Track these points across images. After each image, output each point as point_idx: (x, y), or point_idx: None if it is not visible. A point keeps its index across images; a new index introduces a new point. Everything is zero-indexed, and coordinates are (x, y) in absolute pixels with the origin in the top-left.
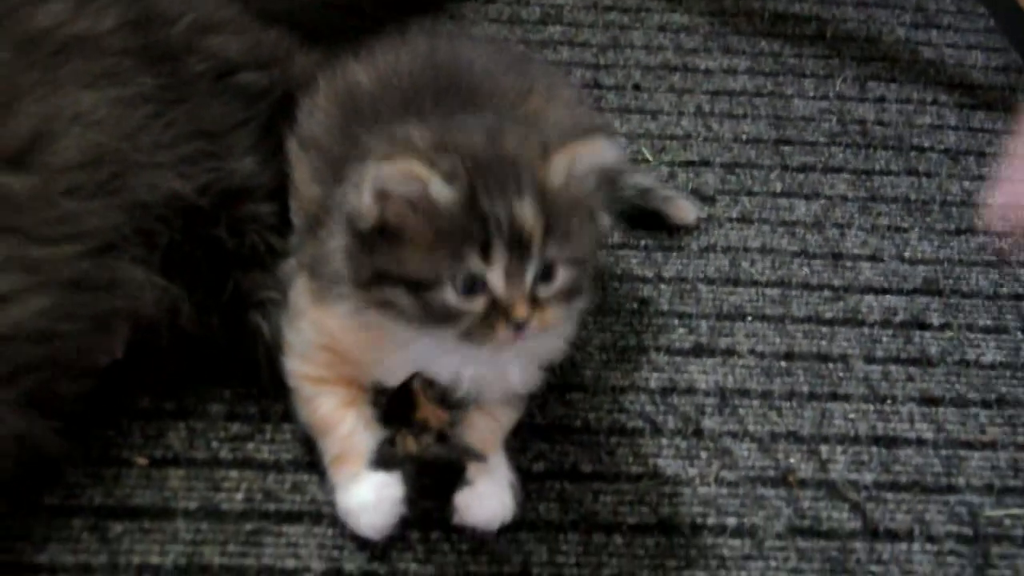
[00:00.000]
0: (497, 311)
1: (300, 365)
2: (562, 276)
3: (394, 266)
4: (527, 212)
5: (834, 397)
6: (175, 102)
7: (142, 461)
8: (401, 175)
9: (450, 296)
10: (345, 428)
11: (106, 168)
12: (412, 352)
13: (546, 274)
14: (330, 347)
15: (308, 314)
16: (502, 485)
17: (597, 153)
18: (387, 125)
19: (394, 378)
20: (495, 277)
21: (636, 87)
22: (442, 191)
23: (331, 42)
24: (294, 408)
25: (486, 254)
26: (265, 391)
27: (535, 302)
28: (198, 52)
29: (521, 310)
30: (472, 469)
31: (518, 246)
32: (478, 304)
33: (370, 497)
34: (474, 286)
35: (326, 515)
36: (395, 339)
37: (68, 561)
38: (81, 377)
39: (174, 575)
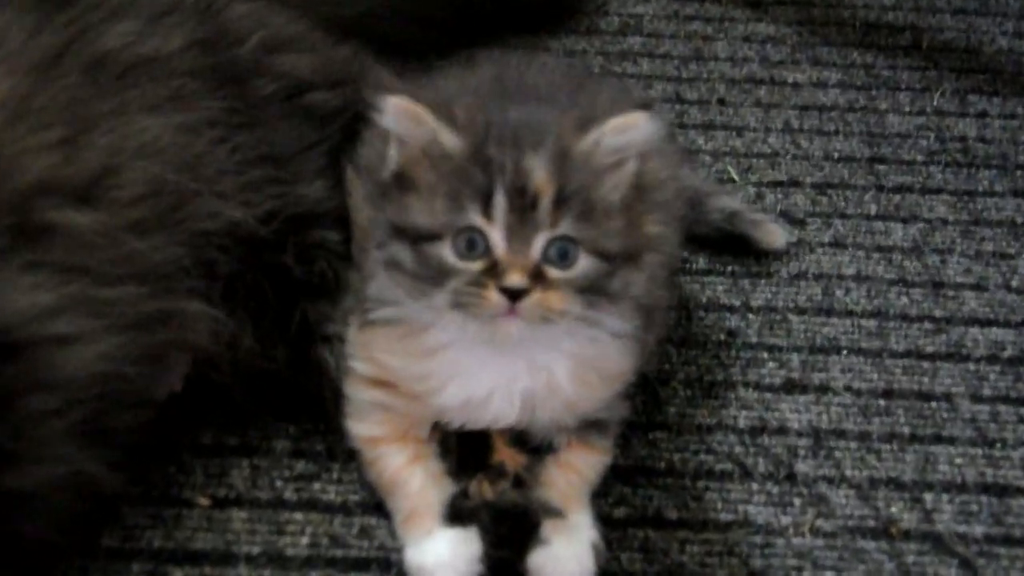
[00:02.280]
0: (494, 273)
1: (358, 426)
2: (583, 264)
3: (403, 216)
4: (537, 166)
5: (938, 440)
6: (242, 126)
7: (204, 502)
8: (407, 113)
9: (447, 253)
10: (414, 485)
11: (168, 199)
12: (449, 361)
13: (563, 254)
14: (380, 381)
15: (356, 348)
16: (582, 545)
17: (633, 126)
18: None
19: (449, 407)
20: (496, 234)
21: (720, 101)
22: (450, 139)
23: (407, 58)
24: (362, 470)
25: (487, 206)
26: (332, 427)
27: (541, 278)
28: (267, 72)
29: (516, 275)
30: (548, 526)
31: (523, 203)
32: (476, 264)
33: (445, 554)
34: (474, 244)
35: (395, 563)
36: (426, 342)
37: None
38: (138, 410)
39: None
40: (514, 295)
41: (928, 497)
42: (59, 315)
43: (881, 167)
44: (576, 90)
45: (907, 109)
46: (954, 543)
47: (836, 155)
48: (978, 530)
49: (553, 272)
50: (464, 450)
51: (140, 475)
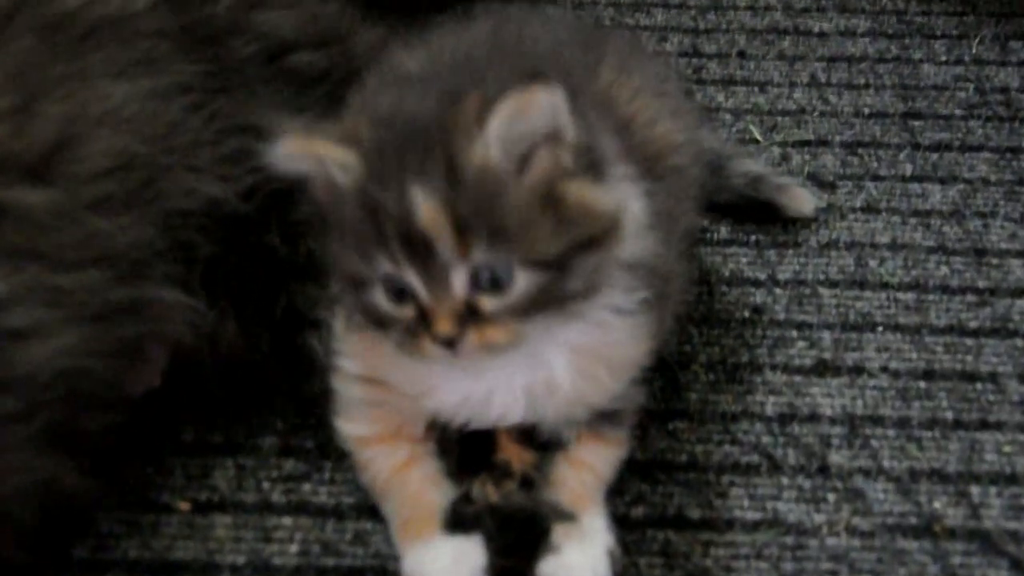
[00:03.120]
0: (424, 321)
1: (348, 425)
2: (522, 283)
3: (335, 259)
4: (421, 201)
5: (984, 425)
6: (218, 91)
7: (184, 506)
8: (303, 154)
9: (380, 299)
10: (411, 488)
11: (136, 174)
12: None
13: (493, 280)
14: (370, 378)
15: (343, 344)
16: (596, 551)
17: (530, 108)
18: None
19: (444, 405)
20: (412, 280)
21: (741, 54)
22: (342, 177)
23: (399, 16)
24: (356, 473)
25: (390, 253)
26: (323, 421)
27: (476, 313)
28: (246, 32)
29: (444, 324)
30: (559, 531)
31: (422, 244)
32: (408, 311)
33: (446, 564)
34: (401, 292)
35: (392, 572)
36: None
37: None
38: (110, 410)
39: None
40: (449, 342)
41: (975, 490)
42: (11, 306)
43: (916, 123)
44: (581, 46)
45: (943, 58)
46: (1004, 541)
47: (867, 111)
48: None
49: (488, 303)
50: (465, 449)
51: (115, 479)
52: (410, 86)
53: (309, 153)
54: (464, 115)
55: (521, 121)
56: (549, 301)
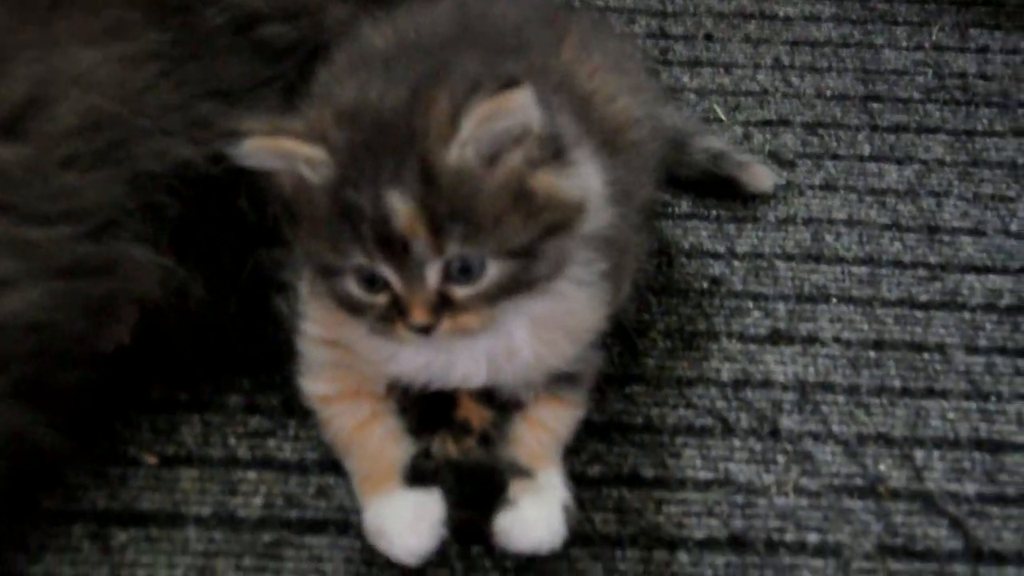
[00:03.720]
0: (398, 309)
1: (311, 384)
2: (493, 271)
3: (305, 248)
4: (398, 204)
5: (930, 393)
6: (188, 59)
7: (151, 460)
8: (270, 151)
9: (352, 287)
10: (372, 444)
11: (107, 134)
12: None
13: (465, 270)
14: (333, 342)
15: (308, 308)
16: (551, 506)
17: (506, 110)
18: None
19: (407, 369)
20: (387, 272)
21: (707, 37)
22: (312, 175)
23: None
24: (319, 430)
25: (365, 248)
26: (287, 380)
27: (448, 302)
28: (216, 2)
29: (419, 314)
30: (516, 487)
31: (399, 241)
32: (381, 298)
33: (406, 517)
34: (373, 280)
35: (354, 524)
36: None
37: (66, 573)
38: (80, 366)
39: None
40: (424, 329)
41: (919, 454)
42: None
43: (875, 105)
44: (545, 23)
45: (904, 44)
46: (945, 502)
47: (828, 93)
48: (970, 488)
49: (460, 292)
50: (426, 406)
51: (84, 433)
52: (375, 72)
53: (276, 150)
54: (437, 118)
55: (494, 124)
56: (519, 285)
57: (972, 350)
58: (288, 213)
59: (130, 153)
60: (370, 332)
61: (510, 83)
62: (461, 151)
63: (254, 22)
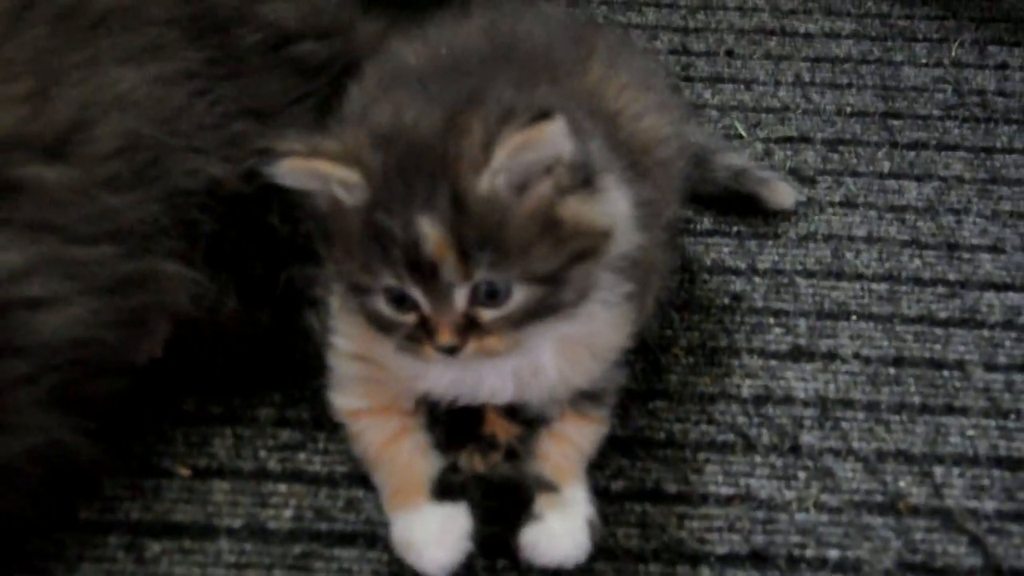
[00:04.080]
0: (426, 330)
1: (341, 399)
2: (519, 297)
3: (337, 265)
4: (430, 231)
5: (950, 410)
6: (223, 78)
7: (184, 472)
8: (305, 171)
9: (382, 306)
10: (400, 458)
11: (144, 155)
12: None
13: (492, 294)
14: (363, 357)
15: (339, 324)
16: (576, 521)
17: (542, 143)
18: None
19: (436, 386)
20: (416, 293)
21: (728, 53)
22: (347, 197)
23: (399, 8)
24: (348, 444)
25: (395, 271)
26: (318, 394)
27: (475, 324)
28: (251, 21)
29: (445, 336)
30: (542, 501)
31: (428, 266)
32: (410, 318)
33: (433, 530)
34: (403, 300)
35: (382, 537)
36: None
37: None
38: (115, 377)
39: None
40: (450, 350)
41: (938, 471)
42: (29, 276)
43: (895, 122)
44: (572, 42)
45: (923, 61)
46: (964, 519)
47: (848, 110)
48: (989, 506)
49: (486, 315)
50: (453, 422)
51: (119, 444)
52: (410, 92)
53: (312, 171)
54: (470, 146)
55: (526, 155)
56: (545, 309)
57: (991, 367)
58: (322, 231)
59: (166, 172)
60: (398, 350)
61: (543, 114)
62: (492, 180)
63: (287, 40)
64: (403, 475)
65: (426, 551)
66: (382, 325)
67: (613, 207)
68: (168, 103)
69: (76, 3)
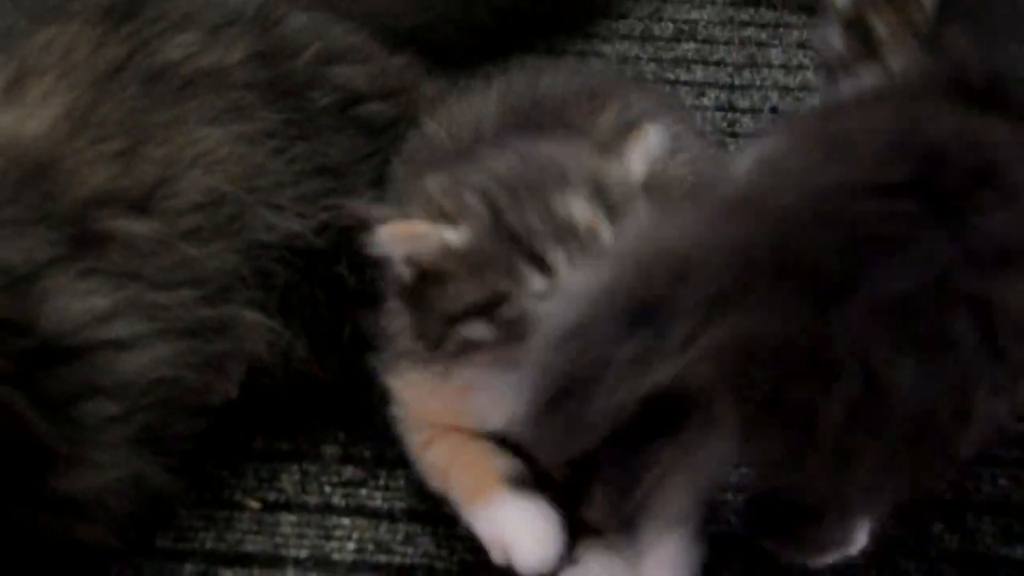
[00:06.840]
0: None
1: (406, 434)
2: None
3: (456, 302)
4: (574, 202)
5: (981, 458)
6: (298, 138)
7: (254, 505)
8: (406, 235)
9: (479, 329)
10: (474, 453)
11: (226, 209)
12: (485, 394)
13: None
14: (421, 415)
15: (394, 395)
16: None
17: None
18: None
19: (495, 425)
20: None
21: (773, 110)
22: (456, 238)
23: (458, 67)
24: (411, 472)
25: (541, 266)
26: (380, 433)
27: None
28: (323, 84)
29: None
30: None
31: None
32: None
33: (527, 518)
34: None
35: (439, 570)
36: (456, 381)
37: None
38: (194, 416)
39: None
40: None
41: (970, 517)
42: (114, 319)
43: None
44: (590, 99)
45: None
46: (997, 567)
47: None
48: (1020, 552)
49: None
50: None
51: (194, 478)
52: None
53: (417, 229)
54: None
55: (640, 151)
56: None
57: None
58: (406, 291)
59: (244, 226)
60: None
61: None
62: (630, 166)
63: (356, 101)
64: (479, 470)
65: (526, 542)
66: (525, 327)
67: None
68: (248, 161)
69: (164, 66)
